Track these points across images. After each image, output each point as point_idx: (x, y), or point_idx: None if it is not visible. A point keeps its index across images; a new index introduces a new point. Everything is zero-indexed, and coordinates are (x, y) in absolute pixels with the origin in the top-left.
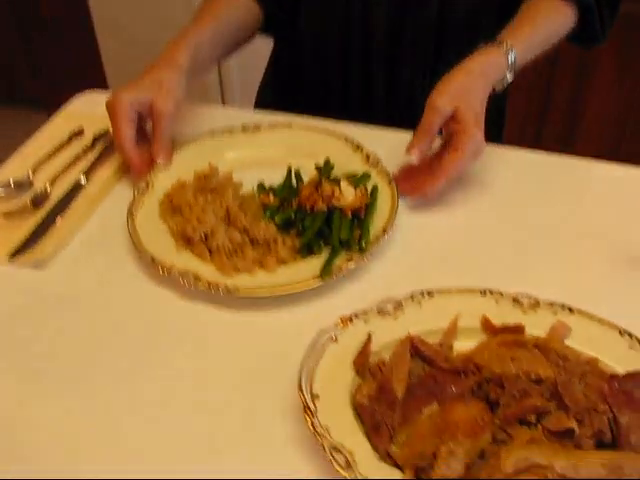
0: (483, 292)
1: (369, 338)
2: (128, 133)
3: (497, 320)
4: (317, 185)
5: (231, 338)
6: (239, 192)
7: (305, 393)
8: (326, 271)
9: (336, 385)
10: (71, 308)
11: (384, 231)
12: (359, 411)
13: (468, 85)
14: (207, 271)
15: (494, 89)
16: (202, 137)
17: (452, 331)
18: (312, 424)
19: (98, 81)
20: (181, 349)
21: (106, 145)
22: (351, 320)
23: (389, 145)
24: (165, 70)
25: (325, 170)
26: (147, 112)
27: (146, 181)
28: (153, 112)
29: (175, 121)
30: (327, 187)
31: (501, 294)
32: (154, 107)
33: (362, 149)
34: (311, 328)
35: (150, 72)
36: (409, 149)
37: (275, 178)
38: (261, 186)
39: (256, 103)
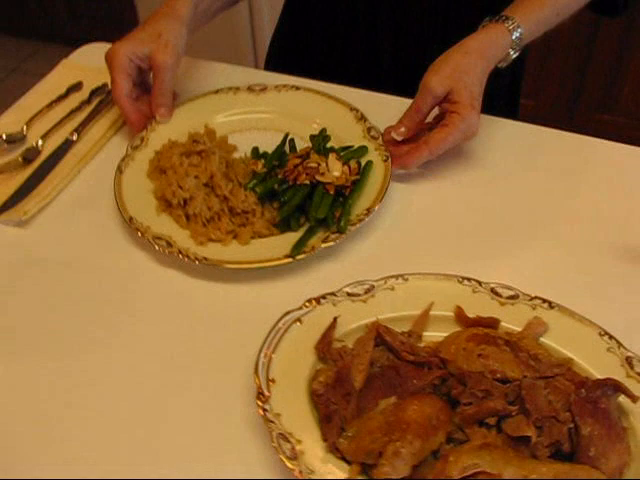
0: (461, 280)
1: (334, 322)
2: (125, 87)
3: (472, 311)
4: (305, 156)
5: (199, 308)
6: (232, 156)
7: (261, 377)
8: (297, 249)
9: (296, 370)
10: (49, 267)
11: (367, 212)
12: (314, 399)
13: (465, 66)
14: (181, 237)
15: (496, 66)
16: (206, 94)
17: (423, 320)
18: (263, 410)
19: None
20: (151, 314)
21: (102, 99)
22: (319, 302)
23: (398, 113)
24: (165, 21)
25: (318, 140)
26: (146, 65)
27: (141, 137)
28: (152, 65)
29: (176, 74)
30: (313, 160)
31: (480, 283)
32: (153, 60)
33: (365, 120)
34: (278, 307)
35: (149, 23)
36: (396, 127)
37: (272, 143)
38: (255, 151)
39: (265, 66)
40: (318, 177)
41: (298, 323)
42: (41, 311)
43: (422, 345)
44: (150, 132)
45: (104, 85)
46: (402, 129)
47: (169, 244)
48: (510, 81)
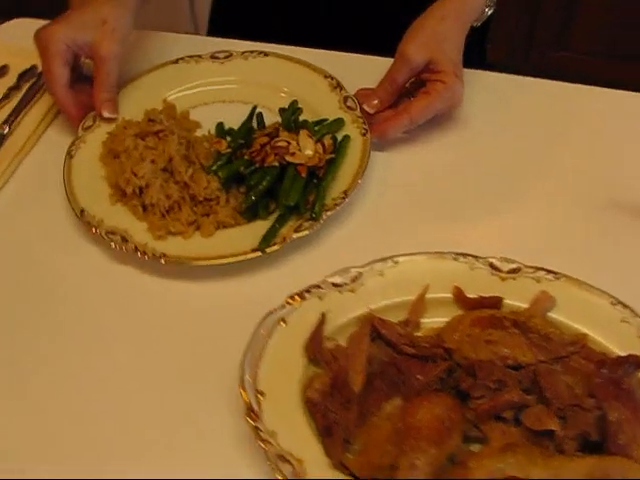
0: (456, 256)
1: (322, 318)
2: (62, 76)
3: (472, 290)
4: (273, 134)
5: (163, 311)
6: (193, 134)
7: (248, 391)
8: (265, 241)
9: (285, 377)
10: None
11: (345, 195)
12: (310, 410)
13: (442, 33)
14: (138, 231)
15: (472, 26)
16: (164, 65)
17: (419, 306)
18: (256, 429)
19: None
20: (107, 318)
21: (34, 83)
22: (303, 297)
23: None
24: (109, 6)
25: (288, 115)
26: (86, 54)
27: (93, 115)
28: (96, 55)
29: (120, 64)
30: (282, 138)
31: (476, 258)
32: (97, 50)
33: (341, 89)
34: (254, 305)
35: (91, 6)
36: (368, 98)
37: (239, 118)
38: (220, 128)
39: (208, 33)
40: (288, 158)
41: (282, 324)
42: None
43: (421, 334)
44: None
45: (33, 67)
46: (375, 101)
47: (124, 239)
48: (481, 31)
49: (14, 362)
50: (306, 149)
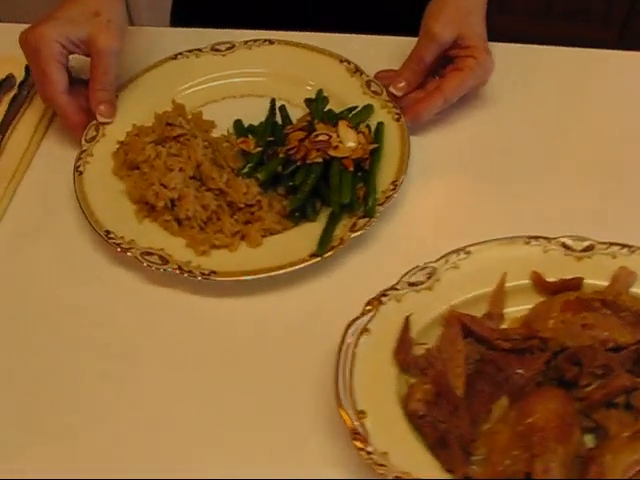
0: (528, 240)
1: (407, 323)
2: (61, 82)
3: (549, 273)
4: (308, 128)
5: (220, 334)
6: (210, 135)
7: (349, 412)
8: (323, 245)
9: (381, 391)
10: (16, 302)
11: (394, 186)
12: (416, 423)
13: (466, 6)
14: (177, 248)
15: None
16: (163, 62)
17: (500, 296)
18: (367, 454)
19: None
20: (161, 350)
21: (15, 96)
22: (380, 301)
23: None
24: None
25: (318, 106)
26: (82, 51)
27: (94, 125)
28: (93, 49)
29: (119, 60)
30: (322, 132)
31: (548, 240)
32: (95, 45)
33: (361, 73)
34: (317, 315)
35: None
36: (394, 80)
37: (256, 113)
38: (239, 125)
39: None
40: (332, 152)
41: (366, 335)
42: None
43: (506, 326)
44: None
45: (9, 77)
46: (402, 83)
47: (163, 259)
48: None
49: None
50: (348, 141)
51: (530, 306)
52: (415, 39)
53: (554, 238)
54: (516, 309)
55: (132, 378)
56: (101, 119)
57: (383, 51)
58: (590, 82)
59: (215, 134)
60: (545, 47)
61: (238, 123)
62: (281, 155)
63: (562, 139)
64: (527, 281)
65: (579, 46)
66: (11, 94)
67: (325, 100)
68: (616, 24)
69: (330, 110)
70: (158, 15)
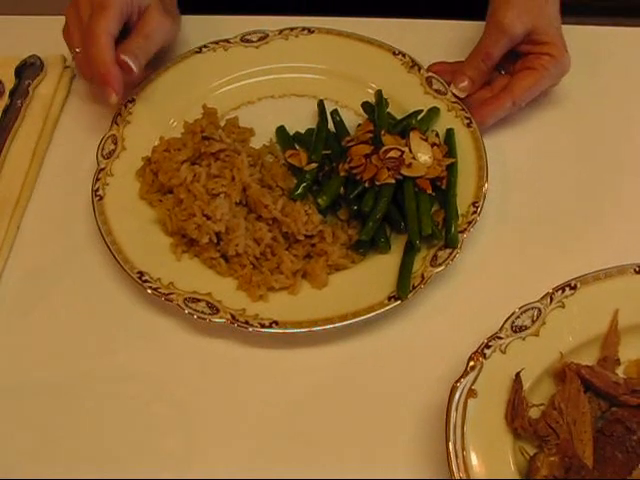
0: (638, 269)
1: (518, 381)
2: (112, 25)
3: None
4: (374, 141)
5: (288, 389)
6: (251, 147)
7: None
8: (404, 286)
9: (498, 464)
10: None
11: (475, 208)
12: None
13: None
14: (226, 291)
15: None
16: (186, 56)
17: (614, 337)
18: None
19: None
20: (197, 404)
21: (7, 107)
22: (483, 354)
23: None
24: None
25: (381, 112)
26: (132, 22)
27: (111, 135)
28: (146, 20)
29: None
30: (392, 146)
31: None
32: (149, 14)
33: (420, 69)
34: (400, 364)
35: None
36: (457, 79)
37: (299, 117)
38: (283, 133)
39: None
40: (405, 171)
41: (472, 398)
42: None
43: (622, 372)
44: (123, 126)
45: None
46: (465, 82)
47: (212, 307)
48: None
49: None
50: (422, 155)
51: None
52: (477, 23)
53: None
54: (632, 351)
55: (196, 458)
56: (125, 64)
57: (439, 39)
58: None
59: (254, 144)
60: (621, 29)
61: (282, 131)
62: (342, 174)
63: None
64: None
65: None
66: (1, 103)
67: (386, 104)
68: None
69: (389, 114)
70: None
